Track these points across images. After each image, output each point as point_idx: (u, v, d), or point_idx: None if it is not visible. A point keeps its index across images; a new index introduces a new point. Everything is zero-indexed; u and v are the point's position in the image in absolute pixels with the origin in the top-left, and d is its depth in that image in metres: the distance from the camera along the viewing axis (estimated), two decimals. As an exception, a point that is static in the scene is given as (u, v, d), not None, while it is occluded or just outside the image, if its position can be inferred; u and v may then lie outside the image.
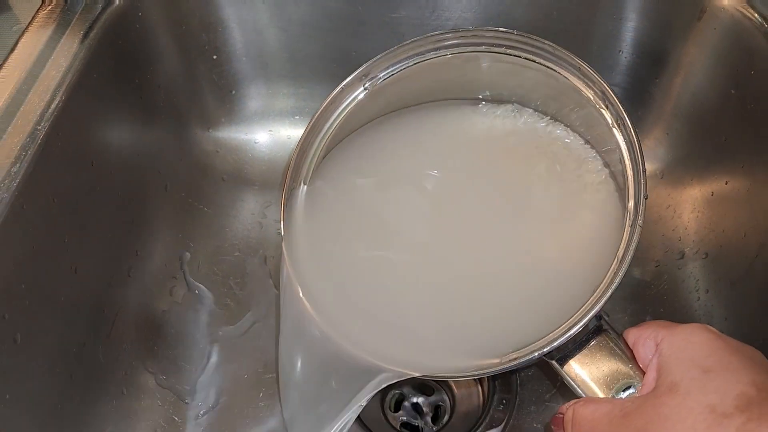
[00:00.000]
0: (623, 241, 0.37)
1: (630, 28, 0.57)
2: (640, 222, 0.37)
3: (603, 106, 0.43)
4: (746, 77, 0.50)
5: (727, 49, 0.52)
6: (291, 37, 0.60)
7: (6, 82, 0.45)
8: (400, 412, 0.55)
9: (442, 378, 0.41)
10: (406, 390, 0.56)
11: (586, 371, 0.36)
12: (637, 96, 0.60)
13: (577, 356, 0.36)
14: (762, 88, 0.49)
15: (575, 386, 0.37)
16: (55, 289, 0.44)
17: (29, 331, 0.42)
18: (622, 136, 0.41)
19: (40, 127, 0.43)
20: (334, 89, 0.63)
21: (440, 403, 0.55)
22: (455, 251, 0.45)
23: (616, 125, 0.42)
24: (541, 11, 0.57)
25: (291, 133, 0.66)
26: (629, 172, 0.40)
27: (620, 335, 0.36)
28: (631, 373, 0.35)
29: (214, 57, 0.60)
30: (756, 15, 0.49)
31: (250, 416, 0.51)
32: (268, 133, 0.65)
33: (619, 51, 0.59)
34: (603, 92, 0.43)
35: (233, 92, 0.63)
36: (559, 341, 0.36)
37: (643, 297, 0.54)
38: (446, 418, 0.54)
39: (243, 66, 0.62)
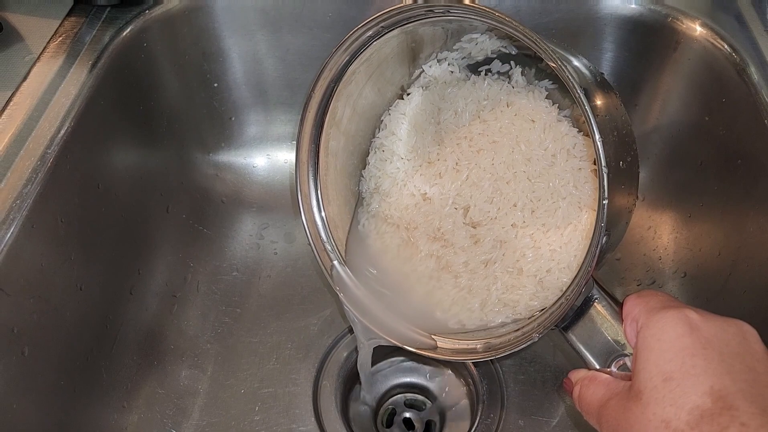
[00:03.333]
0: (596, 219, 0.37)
1: (609, 58, 0.60)
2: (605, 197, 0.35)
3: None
4: (718, 105, 0.53)
5: (700, 78, 0.55)
6: (288, 66, 0.63)
7: (19, 109, 0.48)
8: (392, 427, 0.57)
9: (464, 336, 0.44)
10: (398, 406, 0.58)
11: (583, 341, 0.37)
12: (619, 122, 0.62)
13: (577, 325, 0.37)
14: (732, 115, 0.51)
15: (577, 353, 0.38)
16: (61, 305, 0.46)
17: (36, 345, 0.44)
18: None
19: (50, 151, 0.45)
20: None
21: (431, 419, 0.57)
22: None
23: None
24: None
25: (288, 157, 0.68)
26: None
27: (617, 302, 0.36)
28: (622, 343, 0.35)
29: (215, 85, 0.63)
30: (725, 45, 0.52)
31: (246, 430, 0.53)
32: (266, 158, 0.68)
33: (598, 79, 0.62)
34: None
35: (233, 119, 0.66)
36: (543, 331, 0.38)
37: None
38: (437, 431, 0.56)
39: (242, 94, 0.64)
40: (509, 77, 0.50)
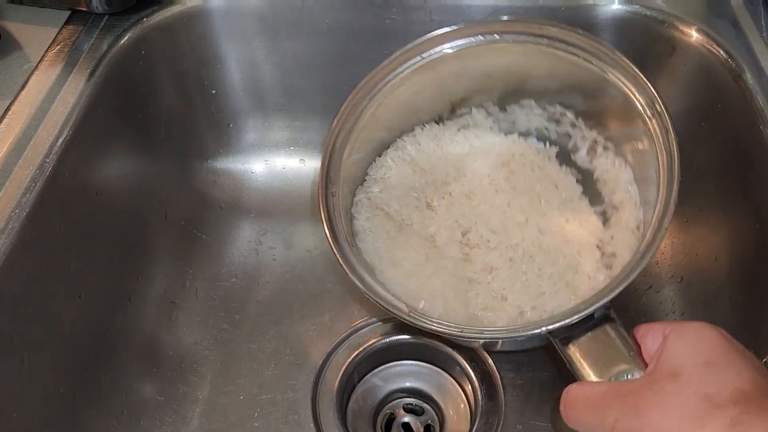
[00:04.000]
0: (645, 241, 0.40)
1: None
2: (665, 225, 0.39)
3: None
4: (715, 111, 0.53)
5: (697, 84, 0.55)
6: (285, 72, 0.63)
7: (17, 117, 0.48)
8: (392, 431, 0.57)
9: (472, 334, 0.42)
10: (397, 410, 0.58)
11: (584, 354, 0.37)
12: (616, 127, 0.63)
13: (581, 339, 0.38)
14: (728, 121, 0.52)
15: (572, 366, 0.38)
16: (60, 313, 0.47)
17: (35, 354, 0.44)
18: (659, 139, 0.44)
19: (48, 160, 0.46)
20: (328, 121, 0.67)
21: (430, 423, 0.57)
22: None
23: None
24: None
25: (286, 163, 0.68)
26: (662, 178, 0.42)
27: (627, 330, 0.37)
28: (631, 362, 0.36)
29: (213, 92, 0.63)
30: (721, 51, 0.53)
31: (246, 436, 0.53)
32: (264, 164, 0.68)
33: (598, 85, 0.62)
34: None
35: (230, 125, 0.66)
36: (558, 324, 0.38)
37: (621, 319, 0.56)
38: (436, 437, 0.56)
39: (240, 100, 0.65)
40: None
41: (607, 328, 0.38)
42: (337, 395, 0.56)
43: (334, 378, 0.57)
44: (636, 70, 0.45)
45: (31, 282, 0.44)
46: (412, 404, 0.58)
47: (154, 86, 0.58)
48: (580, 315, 0.38)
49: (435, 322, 0.41)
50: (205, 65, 0.61)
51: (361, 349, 0.58)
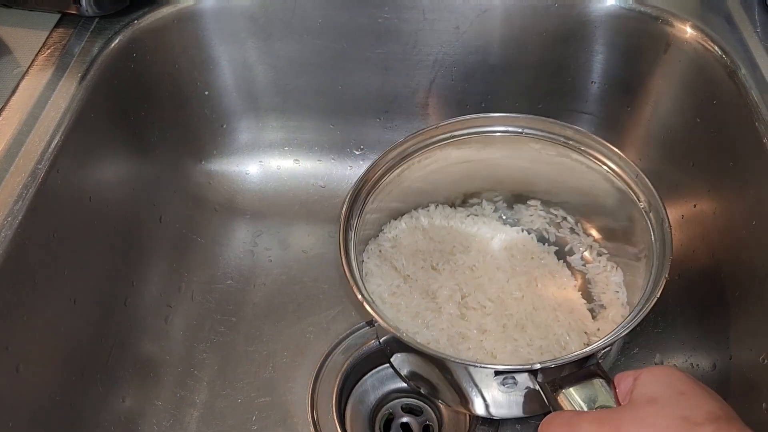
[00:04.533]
0: (635, 309, 0.44)
1: (601, 60, 0.60)
2: (656, 296, 0.43)
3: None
4: (709, 106, 0.53)
5: (691, 80, 0.55)
6: (279, 72, 0.63)
7: (8, 123, 0.47)
8: (390, 432, 0.57)
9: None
10: (396, 410, 0.58)
11: (572, 404, 0.40)
12: (611, 125, 0.63)
13: (568, 389, 0.40)
14: (723, 117, 0.52)
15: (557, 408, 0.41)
16: (55, 320, 0.46)
17: (30, 362, 0.44)
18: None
19: (40, 167, 0.45)
20: (324, 122, 0.67)
21: (428, 423, 0.57)
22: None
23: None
24: (516, 46, 0.60)
25: (281, 163, 0.68)
26: (655, 259, 0.47)
27: (611, 381, 0.40)
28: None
29: (206, 93, 0.63)
30: (716, 47, 0.52)
31: (244, 439, 0.53)
32: (259, 165, 0.68)
33: (592, 82, 0.62)
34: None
35: (224, 126, 0.65)
36: (548, 364, 0.41)
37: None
38: (435, 437, 0.56)
39: (233, 101, 0.64)
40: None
41: (595, 381, 0.40)
42: (336, 397, 0.56)
43: (332, 380, 0.57)
44: (638, 169, 0.50)
45: (25, 289, 0.43)
46: (410, 404, 0.58)
47: (146, 89, 0.58)
48: (575, 356, 0.41)
49: (437, 351, 0.45)
50: (197, 66, 0.61)
51: (358, 350, 0.58)
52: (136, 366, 0.54)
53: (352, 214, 0.51)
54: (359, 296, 0.46)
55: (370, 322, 0.58)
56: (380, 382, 0.59)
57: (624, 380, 0.36)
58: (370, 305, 0.45)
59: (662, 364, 0.54)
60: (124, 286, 0.55)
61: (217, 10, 0.58)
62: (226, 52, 0.61)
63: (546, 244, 0.59)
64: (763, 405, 0.43)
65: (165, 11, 0.57)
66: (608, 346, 0.42)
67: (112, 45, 0.54)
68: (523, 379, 0.43)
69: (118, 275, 0.54)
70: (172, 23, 0.58)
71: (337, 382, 0.56)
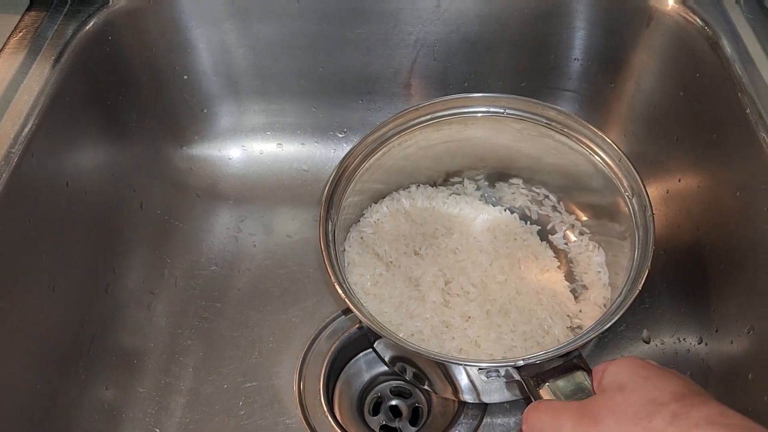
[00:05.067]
0: (617, 300, 0.45)
1: (583, 36, 0.59)
2: (639, 287, 0.44)
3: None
4: (692, 80, 0.53)
5: (674, 54, 0.55)
6: (259, 55, 0.62)
7: (-20, 108, 0.46)
8: (379, 415, 0.57)
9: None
10: (384, 393, 0.58)
11: (556, 396, 0.40)
12: (595, 101, 0.62)
13: (551, 382, 0.41)
14: (706, 90, 0.51)
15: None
16: (34, 308, 0.46)
17: (11, 351, 0.43)
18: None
19: (14, 151, 0.44)
20: (306, 105, 0.66)
21: (418, 405, 0.57)
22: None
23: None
24: (498, 23, 0.60)
25: (263, 147, 0.67)
26: (637, 250, 0.47)
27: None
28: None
29: (185, 77, 0.62)
30: (697, 19, 0.52)
31: (231, 425, 0.53)
32: (241, 149, 0.67)
33: (575, 59, 0.61)
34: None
35: (205, 110, 0.65)
36: (531, 360, 0.42)
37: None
38: (424, 419, 0.56)
39: (213, 85, 0.63)
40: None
41: (578, 374, 0.41)
42: (323, 381, 0.55)
43: (319, 363, 0.56)
44: (622, 152, 0.50)
45: (2, 278, 0.42)
46: (399, 387, 0.58)
47: (123, 73, 0.57)
48: (556, 351, 0.42)
49: (419, 348, 0.45)
50: (175, 50, 0.60)
51: (345, 333, 0.58)
52: (119, 353, 0.53)
53: (332, 203, 0.51)
54: (342, 295, 0.46)
55: (347, 311, 0.58)
56: (368, 366, 0.59)
57: (597, 373, 0.38)
58: (353, 304, 0.45)
59: (649, 339, 0.54)
60: (105, 272, 0.54)
61: (192, -8, 0.57)
62: (203, 35, 0.60)
63: (528, 222, 0.58)
64: (750, 376, 0.43)
65: (139, -7, 0.56)
66: (589, 341, 0.43)
67: (87, 28, 0.53)
68: (507, 372, 0.43)
69: (99, 262, 0.53)
70: (148, 5, 0.56)
71: (324, 366, 0.56)
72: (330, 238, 0.50)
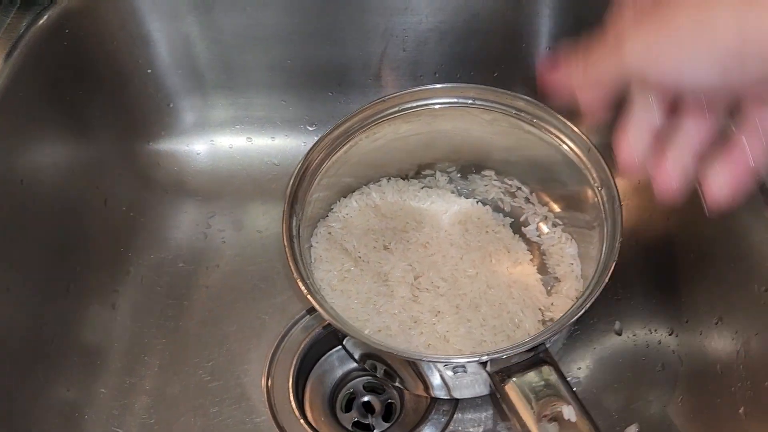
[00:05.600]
0: (583, 295, 0.44)
1: (554, 24, 0.58)
2: (605, 281, 0.43)
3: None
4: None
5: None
6: (225, 47, 0.61)
7: (-73, 103, 0.45)
8: (352, 411, 0.56)
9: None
10: (357, 390, 0.57)
11: (519, 392, 0.41)
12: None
13: (517, 377, 0.41)
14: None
15: (505, 402, 0.41)
16: (-13, 310, 0.44)
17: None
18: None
19: (-36, 148, 0.43)
20: (275, 98, 0.65)
21: (391, 401, 0.56)
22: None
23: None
24: (467, 12, 0.59)
25: (232, 142, 0.66)
26: (605, 242, 0.46)
27: (558, 368, 0.41)
28: (563, 400, 0.40)
29: (149, 71, 0.60)
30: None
31: (198, 425, 0.52)
32: (210, 144, 0.66)
33: (548, 48, 0.60)
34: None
35: (171, 105, 0.63)
36: (495, 355, 0.41)
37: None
38: (397, 415, 0.55)
39: (178, 78, 0.62)
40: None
41: (544, 368, 0.41)
42: (292, 378, 0.55)
43: (288, 361, 0.55)
44: (591, 143, 0.49)
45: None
46: (372, 383, 0.57)
47: (82, 67, 0.55)
48: (520, 346, 0.41)
49: (380, 344, 0.45)
50: (137, 43, 0.58)
51: (316, 329, 0.57)
52: (80, 354, 0.52)
53: (297, 199, 0.50)
54: (305, 291, 0.45)
55: (312, 309, 0.57)
56: (341, 362, 0.58)
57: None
58: (315, 300, 0.45)
59: (621, 331, 0.53)
60: (66, 272, 0.53)
61: (153, -18, 0.56)
62: (166, 27, 0.59)
63: (501, 214, 0.58)
64: (718, 367, 0.42)
65: (98, -16, 0.54)
66: (554, 334, 0.42)
67: (41, 21, 0.51)
68: (473, 368, 0.42)
69: (60, 261, 0.52)
70: (107, -3, 0.55)
71: (294, 363, 0.55)
72: (294, 234, 0.49)
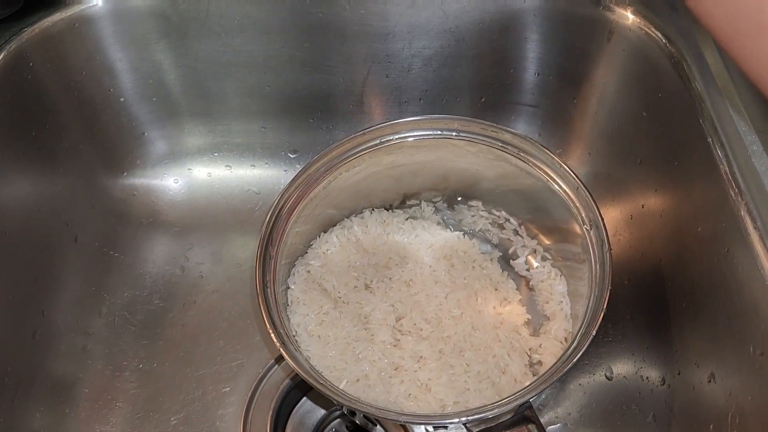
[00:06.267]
0: (570, 348, 0.42)
1: (542, 50, 0.56)
2: (593, 333, 0.41)
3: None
4: (656, 99, 0.49)
5: (636, 70, 0.51)
6: (200, 75, 0.59)
7: None
8: (335, 453, 0.54)
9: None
10: (340, 431, 0.55)
11: None
12: (558, 117, 0.59)
13: None
14: (669, 112, 0.48)
15: None
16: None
17: None
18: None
19: None
20: (254, 126, 0.62)
21: (374, 441, 0.54)
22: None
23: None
24: (452, 38, 0.56)
25: (211, 170, 0.64)
26: (593, 288, 0.44)
27: (542, 428, 0.40)
28: None
29: (121, 99, 0.58)
30: (659, 34, 0.49)
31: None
32: (188, 173, 0.63)
33: (537, 74, 0.58)
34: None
35: (145, 134, 0.61)
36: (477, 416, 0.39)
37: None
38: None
39: (152, 107, 0.60)
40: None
41: (526, 428, 0.39)
42: (271, 422, 0.52)
43: (267, 404, 0.53)
44: (579, 181, 0.47)
45: None
46: (355, 422, 0.55)
47: (48, 100, 0.53)
48: (500, 408, 0.39)
49: (355, 400, 0.42)
50: (107, 73, 0.56)
51: (291, 375, 0.54)
52: (48, 401, 0.50)
53: (271, 240, 0.48)
54: (278, 343, 0.43)
55: (280, 358, 0.55)
56: (324, 400, 0.55)
57: None
58: (287, 353, 0.43)
59: (612, 376, 0.51)
60: (31, 316, 0.50)
61: (122, 11, 0.53)
62: (137, 55, 0.56)
63: (489, 247, 0.56)
64: (711, 426, 0.40)
65: (63, 14, 0.52)
66: (539, 392, 0.40)
67: (2, 54, 0.49)
68: (454, 427, 0.40)
69: (25, 304, 0.50)
70: (73, 27, 0.53)
71: (272, 406, 0.53)
72: (269, 278, 0.47)
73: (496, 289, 0.53)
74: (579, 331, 0.42)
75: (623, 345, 0.51)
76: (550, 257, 0.53)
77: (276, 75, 0.59)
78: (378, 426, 0.50)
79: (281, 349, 0.43)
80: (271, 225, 0.48)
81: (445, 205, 0.57)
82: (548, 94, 0.58)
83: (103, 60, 0.55)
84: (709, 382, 0.40)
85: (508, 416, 0.40)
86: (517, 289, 0.53)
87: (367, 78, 0.59)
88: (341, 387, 0.45)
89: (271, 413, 0.53)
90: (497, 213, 0.56)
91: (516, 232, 0.55)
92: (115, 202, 0.60)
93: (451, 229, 0.57)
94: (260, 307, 0.45)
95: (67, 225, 0.55)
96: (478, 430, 0.40)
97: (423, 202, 0.57)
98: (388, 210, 0.57)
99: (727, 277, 0.39)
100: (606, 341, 0.52)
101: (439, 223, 0.57)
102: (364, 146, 0.51)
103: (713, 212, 0.41)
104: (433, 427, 0.43)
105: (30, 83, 0.51)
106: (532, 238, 0.55)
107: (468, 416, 0.39)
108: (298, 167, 0.63)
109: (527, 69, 0.58)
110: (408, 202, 0.57)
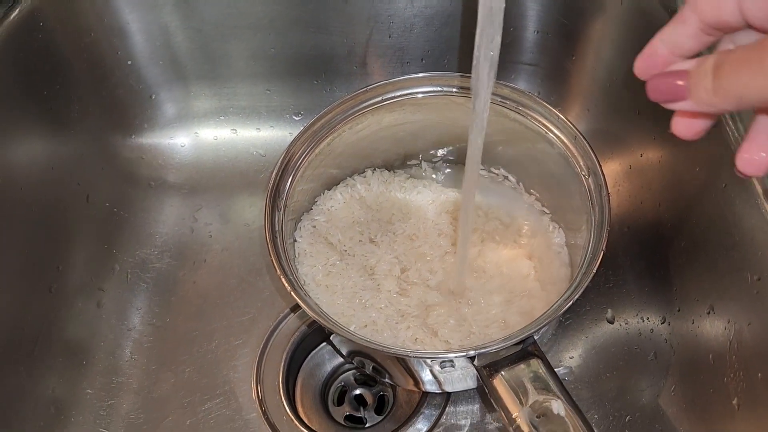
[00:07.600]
0: (572, 285, 0.43)
1: (541, 7, 0.57)
2: (593, 270, 0.41)
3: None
4: (653, 50, 0.51)
5: (633, 24, 0.53)
6: (206, 37, 0.59)
7: None
8: (344, 405, 0.55)
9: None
10: (348, 383, 0.56)
11: (507, 386, 0.40)
12: (557, 75, 0.60)
13: (505, 371, 0.40)
14: (666, 60, 0.49)
15: (492, 396, 0.40)
16: (-34, 313, 0.44)
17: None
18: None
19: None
20: (259, 88, 0.63)
21: (383, 394, 0.56)
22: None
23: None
24: (451, -5, 0.57)
25: (217, 133, 0.65)
26: (593, 230, 0.45)
27: (547, 361, 0.41)
28: (551, 393, 0.39)
29: (129, 63, 0.59)
30: (656, -15, 0.50)
31: (187, 424, 0.51)
32: (194, 136, 0.65)
33: (536, 31, 0.59)
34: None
35: (153, 97, 0.62)
36: (479, 351, 0.40)
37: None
38: (389, 407, 0.55)
39: (160, 69, 0.61)
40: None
41: (533, 361, 0.40)
42: (283, 373, 0.54)
43: (278, 356, 0.55)
44: (577, 130, 0.47)
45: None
46: (363, 376, 0.56)
47: (59, 61, 0.54)
48: (505, 342, 0.40)
49: (366, 340, 0.43)
50: (116, 35, 0.57)
51: (305, 322, 0.56)
52: (65, 354, 0.51)
53: (279, 192, 0.49)
54: (288, 288, 0.44)
55: (296, 306, 0.56)
56: (331, 355, 0.57)
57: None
58: (299, 297, 0.44)
59: (613, 319, 0.53)
60: (48, 272, 0.52)
61: (129, -28, 0.54)
62: (144, 18, 0.57)
63: (488, 205, 0.57)
64: (710, 356, 0.42)
65: (71, -24, 0.53)
66: (542, 327, 0.41)
67: (12, 15, 0.50)
68: (462, 362, 0.42)
69: (41, 261, 0.51)
70: (82, -12, 0.54)
71: (283, 358, 0.55)
72: (277, 229, 0.48)
73: (497, 241, 0.54)
74: (580, 270, 0.44)
75: (623, 290, 0.53)
76: (548, 212, 0.55)
77: (280, 37, 0.60)
78: (386, 377, 0.51)
79: (292, 293, 0.44)
80: (278, 178, 0.49)
81: (445, 164, 0.58)
82: (547, 52, 0.60)
83: (111, 23, 0.56)
84: (708, 314, 0.42)
85: (514, 351, 0.42)
86: (516, 239, 0.54)
87: (370, 39, 0.60)
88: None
89: (282, 363, 0.54)
90: (496, 171, 0.57)
91: (515, 190, 0.56)
92: (123, 164, 0.61)
93: (451, 188, 0.58)
94: (270, 255, 0.46)
95: (79, 184, 0.56)
96: (484, 364, 0.41)
97: (423, 162, 0.58)
98: (389, 170, 0.58)
99: (725, 211, 0.40)
100: (606, 287, 0.54)
101: (439, 182, 0.58)
102: (367, 104, 0.52)
103: (712, 154, 0.43)
104: (440, 366, 0.44)
105: (41, 43, 0.52)
106: (530, 195, 0.56)
107: (477, 350, 0.40)
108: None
109: (527, 27, 0.59)
110: (408, 163, 0.59)
